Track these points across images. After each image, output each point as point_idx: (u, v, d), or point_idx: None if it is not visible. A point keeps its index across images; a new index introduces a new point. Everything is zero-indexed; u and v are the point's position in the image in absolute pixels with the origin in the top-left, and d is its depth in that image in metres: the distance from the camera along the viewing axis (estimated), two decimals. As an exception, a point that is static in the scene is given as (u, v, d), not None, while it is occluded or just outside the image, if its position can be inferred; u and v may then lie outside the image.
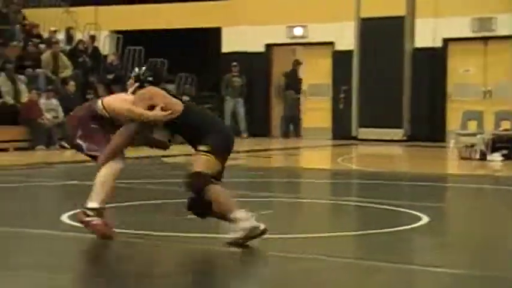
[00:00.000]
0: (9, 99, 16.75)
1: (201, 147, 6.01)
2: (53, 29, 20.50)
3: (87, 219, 6.08)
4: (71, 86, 17.87)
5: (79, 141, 6.25)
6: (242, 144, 19.91)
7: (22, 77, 17.82)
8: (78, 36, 21.09)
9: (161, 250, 6.42)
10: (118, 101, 6.25)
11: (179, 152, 16.69)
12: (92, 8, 23.28)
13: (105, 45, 21.87)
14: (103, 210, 6.17)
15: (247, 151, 17.80)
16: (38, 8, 22.19)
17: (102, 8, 23.36)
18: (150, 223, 7.60)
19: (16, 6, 21.29)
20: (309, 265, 5.86)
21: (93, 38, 21.06)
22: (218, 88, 21.95)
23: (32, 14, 21.80)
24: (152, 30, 22.64)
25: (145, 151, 16.74)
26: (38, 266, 5.84)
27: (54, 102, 17.17)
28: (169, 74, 21.37)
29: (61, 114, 17.09)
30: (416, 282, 5.56)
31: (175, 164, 14.56)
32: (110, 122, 6.27)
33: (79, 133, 6.23)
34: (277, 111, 22.52)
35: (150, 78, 6.21)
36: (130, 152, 16.82)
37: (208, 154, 5.96)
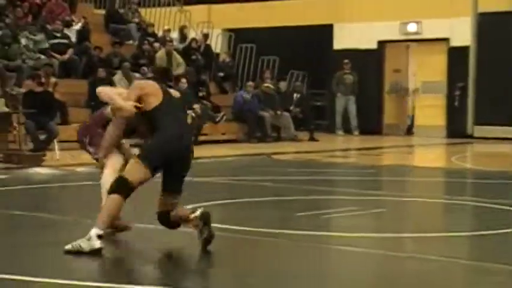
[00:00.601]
0: (124, 97, 17.16)
1: (139, 151, 5.95)
2: (166, 27, 20.86)
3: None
4: (183, 83, 18.13)
5: (88, 148, 6.70)
6: (353, 142, 19.73)
7: (137, 75, 18.20)
8: (192, 34, 21.39)
9: (274, 248, 6.39)
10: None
11: (288, 150, 16.73)
12: (204, 6, 23.57)
13: (218, 43, 22.09)
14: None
15: (359, 149, 17.61)
16: (153, 8, 22.63)
17: (215, 7, 23.62)
18: (263, 220, 7.60)
19: (132, 6, 21.78)
20: (421, 265, 5.71)
21: (205, 36, 21.31)
22: (329, 85, 21.83)
23: (147, 14, 22.25)
24: (264, 27, 22.71)
25: (256, 149, 16.78)
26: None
27: (168, 99, 17.46)
28: (281, 71, 21.39)
29: (174, 111, 17.38)
30: (535, 286, 5.32)
31: (284, 161, 14.56)
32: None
33: (87, 141, 6.66)
34: (389, 108, 22.21)
35: (150, 74, 6.38)
36: (241, 150, 16.86)
37: (138, 160, 5.84)
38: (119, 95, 6.13)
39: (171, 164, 5.93)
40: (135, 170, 5.82)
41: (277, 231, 6.85)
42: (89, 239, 5.69)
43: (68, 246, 5.71)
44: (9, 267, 5.40)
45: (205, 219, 5.95)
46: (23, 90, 14.88)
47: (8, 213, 7.91)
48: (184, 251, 6.28)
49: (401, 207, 8.95)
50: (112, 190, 5.82)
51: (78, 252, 5.67)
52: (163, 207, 6.09)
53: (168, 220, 6.14)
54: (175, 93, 6.28)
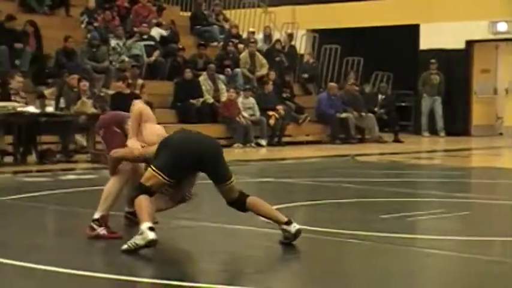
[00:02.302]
0: (209, 98, 17.32)
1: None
2: (251, 29, 20.97)
3: (94, 233, 6.37)
4: (268, 85, 18.19)
5: (101, 141, 6.95)
6: (439, 143, 19.43)
7: (222, 76, 18.37)
8: (276, 35, 21.44)
9: (358, 250, 6.37)
10: (150, 135, 6.62)
11: (372, 151, 16.59)
12: (289, 7, 23.59)
13: (302, 44, 22.08)
14: (106, 217, 6.48)
15: (445, 150, 17.33)
16: (238, 9, 22.78)
17: (299, 8, 23.61)
18: (347, 222, 7.57)
19: (217, 7, 21.96)
20: (506, 269, 5.59)
21: (290, 37, 21.33)
22: (415, 86, 21.55)
23: (232, 15, 22.42)
24: (348, 28, 22.59)
25: (340, 150, 16.70)
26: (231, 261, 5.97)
27: (252, 100, 17.55)
28: (365, 72, 21.24)
29: (257, 112, 17.44)
30: None
31: (368, 163, 14.44)
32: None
33: (101, 133, 6.83)
34: (477, 109, 21.77)
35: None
36: (324, 151, 16.74)
37: (152, 169, 6.10)
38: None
39: (193, 166, 6.18)
40: (150, 178, 6.07)
41: (361, 233, 6.81)
42: (141, 234, 5.81)
43: (125, 246, 5.82)
44: (91, 265, 5.52)
45: (296, 236, 6.22)
46: (110, 91, 15.20)
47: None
48: (267, 250, 6.30)
49: (488, 210, 8.77)
50: (137, 194, 6.06)
51: (136, 250, 5.76)
52: (226, 197, 6.29)
53: (241, 207, 6.30)
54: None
